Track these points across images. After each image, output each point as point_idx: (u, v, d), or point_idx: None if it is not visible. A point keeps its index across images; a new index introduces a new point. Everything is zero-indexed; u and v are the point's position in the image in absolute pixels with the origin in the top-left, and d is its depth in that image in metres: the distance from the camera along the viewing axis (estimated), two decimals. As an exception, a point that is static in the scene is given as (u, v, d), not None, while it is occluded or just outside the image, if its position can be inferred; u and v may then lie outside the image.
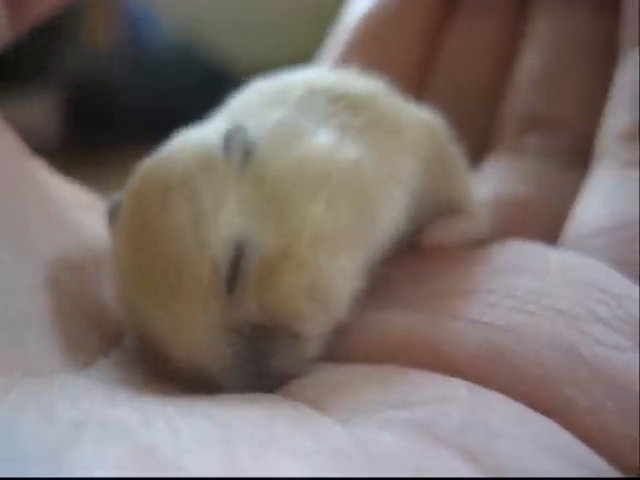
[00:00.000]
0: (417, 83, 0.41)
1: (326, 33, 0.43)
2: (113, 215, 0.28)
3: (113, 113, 1.33)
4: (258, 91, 0.31)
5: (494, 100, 0.40)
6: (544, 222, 0.33)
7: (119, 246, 0.27)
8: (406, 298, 0.28)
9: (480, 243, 0.31)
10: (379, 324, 0.27)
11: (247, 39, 1.38)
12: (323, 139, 0.28)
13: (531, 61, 0.39)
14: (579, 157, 0.35)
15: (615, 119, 0.33)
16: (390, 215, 0.29)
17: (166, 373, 0.26)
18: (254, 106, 0.30)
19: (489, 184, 0.36)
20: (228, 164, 0.26)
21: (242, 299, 0.25)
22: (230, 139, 0.27)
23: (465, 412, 0.21)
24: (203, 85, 1.17)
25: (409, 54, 0.42)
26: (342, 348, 0.26)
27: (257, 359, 0.25)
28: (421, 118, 0.32)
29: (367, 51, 0.40)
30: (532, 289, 0.26)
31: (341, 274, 0.26)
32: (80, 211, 0.31)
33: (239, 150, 0.26)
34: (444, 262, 0.30)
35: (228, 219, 0.25)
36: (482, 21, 0.42)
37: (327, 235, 0.26)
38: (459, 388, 0.23)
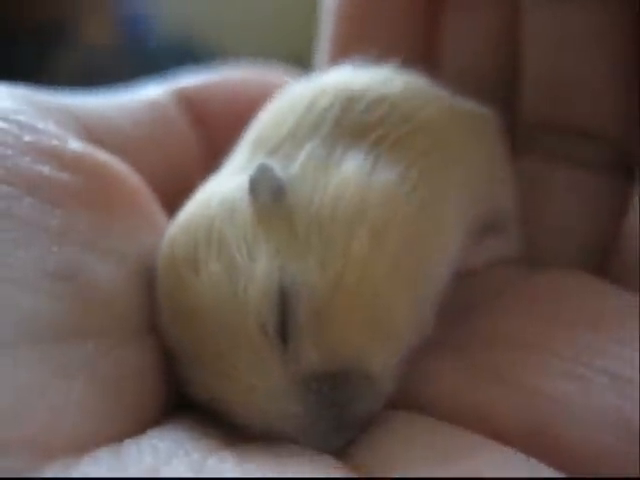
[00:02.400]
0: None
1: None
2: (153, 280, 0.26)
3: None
4: (284, 114, 0.28)
5: (502, 100, 0.35)
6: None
7: (163, 315, 0.25)
8: (449, 342, 0.26)
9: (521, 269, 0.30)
10: (426, 373, 0.25)
11: (246, 37, 1.37)
12: (354, 167, 0.25)
13: (532, 63, 0.34)
14: (599, 159, 0.32)
15: None
16: (444, 238, 0.27)
17: (229, 428, 0.24)
18: (280, 135, 0.27)
19: None
20: (257, 209, 0.25)
21: (300, 349, 0.23)
22: (256, 182, 0.25)
23: None
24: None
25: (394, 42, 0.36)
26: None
27: (332, 412, 0.23)
28: (471, 122, 0.29)
29: (349, 47, 0.35)
30: (583, 345, 0.24)
31: (399, 304, 0.24)
32: None
33: (267, 192, 0.25)
34: (488, 303, 0.28)
35: (264, 268, 0.23)
36: (473, 15, 0.36)
37: (376, 268, 0.24)
38: (514, 462, 0.22)
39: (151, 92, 0.34)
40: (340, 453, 0.23)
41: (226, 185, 0.26)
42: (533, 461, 0.22)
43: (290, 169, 0.26)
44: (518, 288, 0.28)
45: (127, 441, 0.22)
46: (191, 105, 0.34)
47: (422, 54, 0.37)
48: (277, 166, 0.26)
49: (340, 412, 0.23)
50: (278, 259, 0.24)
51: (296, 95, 0.29)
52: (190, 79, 0.35)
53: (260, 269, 0.23)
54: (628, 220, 0.29)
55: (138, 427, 0.23)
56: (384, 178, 0.25)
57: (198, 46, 1.45)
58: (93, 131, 0.29)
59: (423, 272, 0.26)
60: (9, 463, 0.19)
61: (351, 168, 0.26)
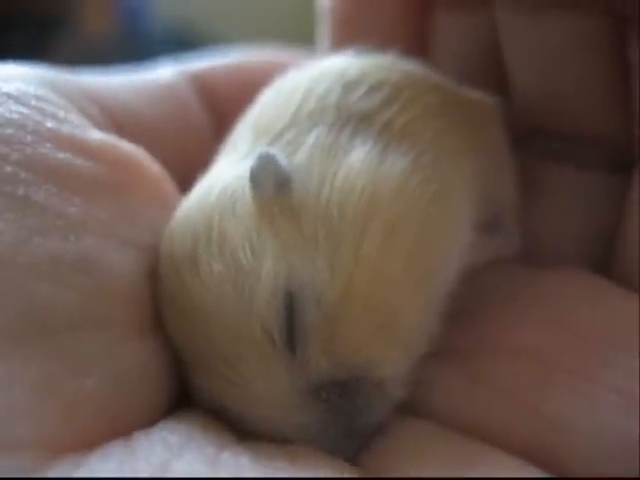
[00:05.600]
0: None
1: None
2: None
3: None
4: (285, 98, 0.27)
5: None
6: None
7: (164, 315, 0.24)
8: (454, 348, 0.25)
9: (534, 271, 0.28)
10: (432, 381, 0.24)
11: (244, 26, 1.37)
12: (363, 156, 0.24)
13: (516, 74, 0.32)
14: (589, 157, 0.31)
15: None
16: (456, 232, 0.25)
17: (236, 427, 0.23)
18: (282, 121, 0.26)
19: None
20: (259, 203, 0.23)
21: (308, 356, 0.22)
22: (259, 173, 0.23)
23: None
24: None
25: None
26: None
27: (342, 421, 0.22)
28: (477, 109, 0.28)
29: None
30: (589, 356, 0.23)
31: (412, 308, 0.23)
32: None
33: (270, 184, 0.23)
34: (492, 307, 0.26)
35: (270, 269, 0.22)
36: (461, 20, 0.34)
37: (389, 270, 0.22)
38: (524, 470, 0.21)
39: (164, 74, 0.33)
40: (351, 461, 0.22)
41: (226, 175, 0.25)
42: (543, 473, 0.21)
43: (295, 157, 0.24)
44: (522, 290, 0.27)
45: (137, 434, 0.21)
46: (203, 88, 0.33)
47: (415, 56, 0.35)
48: (281, 154, 0.24)
49: (350, 421, 0.22)
50: (284, 260, 0.22)
51: (294, 80, 0.28)
52: (200, 62, 0.35)
53: (265, 271, 0.22)
54: (626, 219, 0.29)
55: (147, 420, 0.22)
56: (395, 168, 0.24)
57: (197, 36, 1.45)
58: (112, 115, 0.29)
59: (436, 270, 0.24)
60: (19, 460, 0.19)
61: (359, 157, 0.24)
